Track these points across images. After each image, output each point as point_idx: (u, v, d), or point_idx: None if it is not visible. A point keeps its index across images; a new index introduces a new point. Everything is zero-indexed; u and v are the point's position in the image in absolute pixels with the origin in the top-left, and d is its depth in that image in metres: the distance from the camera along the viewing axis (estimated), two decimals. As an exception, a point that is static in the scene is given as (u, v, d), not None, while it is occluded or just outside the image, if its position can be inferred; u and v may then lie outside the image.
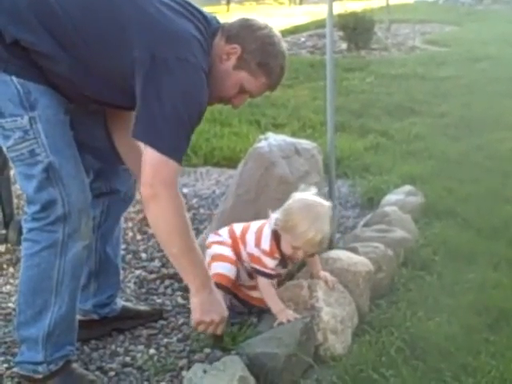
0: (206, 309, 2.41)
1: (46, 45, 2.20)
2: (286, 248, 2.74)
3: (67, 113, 2.33)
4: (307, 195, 2.77)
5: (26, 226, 2.30)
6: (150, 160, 2.22)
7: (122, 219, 2.86)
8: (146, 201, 2.26)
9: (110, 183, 2.67)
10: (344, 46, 10.94)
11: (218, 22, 2.48)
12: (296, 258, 2.79)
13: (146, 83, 2.21)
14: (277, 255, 2.76)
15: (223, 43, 2.43)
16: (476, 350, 2.68)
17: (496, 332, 2.84)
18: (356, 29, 10.65)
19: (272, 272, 2.78)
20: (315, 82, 7.97)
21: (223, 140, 5.51)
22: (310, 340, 2.65)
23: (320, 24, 12.18)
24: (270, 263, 2.76)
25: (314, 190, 2.81)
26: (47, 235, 2.26)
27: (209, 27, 2.41)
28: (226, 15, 16.27)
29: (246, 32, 2.44)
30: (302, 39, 12.09)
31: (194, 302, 2.42)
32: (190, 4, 2.42)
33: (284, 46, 2.52)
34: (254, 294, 2.90)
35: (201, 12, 2.43)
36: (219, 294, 2.52)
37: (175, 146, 2.24)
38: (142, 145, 2.29)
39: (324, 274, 2.92)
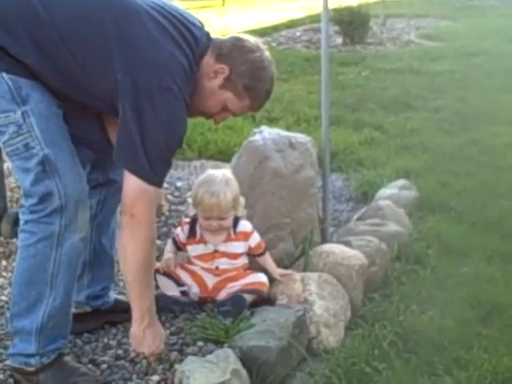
0: (138, 342, 2.46)
1: (32, 57, 2.22)
2: (200, 221, 2.96)
3: (60, 106, 2.33)
4: (225, 171, 3.01)
5: (22, 218, 2.31)
6: (132, 186, 2.29)
7: (119, 211, 2.86)
8: (123, 226, 2.35)
9: (107, 174, 2.67)
10: (339, 40, 10.91)
11: (209, 39, 2.47)
12: (208, 229, 2.94)
13: (127, 109, 2.24)
14: (186, 226, 3.03)
15: (212, 61, 2.42)
16: (469, 344, 2.69)
17: (489, 326, 2.85)
18: (351, 23, 10.62)
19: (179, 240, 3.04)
20: (310, 76, 7.95)
21: (217, 134, 5.49)
22: (302, 333, 2.65)
23: (315, 18, 12.13)
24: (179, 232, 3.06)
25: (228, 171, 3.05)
26: (44, 227, 2.26)
27: (197, 47, 2.39)
28: (221, 10, 16.26)
29: (236, 53, 2.43)
30: (298, 33, 12.06)
31: (131, 331, 2.47)
32: (180, 20, 2.39)
33: (274, 69, 2.51)
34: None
35: (190, 30, 2.40)
36: (158, 329, 2.50)
37: (155, 174, 2.30)
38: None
39: (280, 271, 2.99)
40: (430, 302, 2.99)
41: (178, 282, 2.95)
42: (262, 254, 3.02)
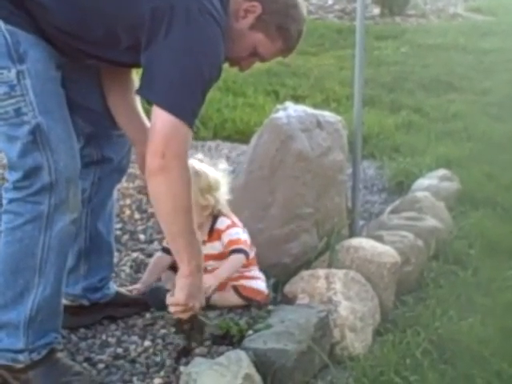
0: (194, 293, 2.42)
1: None
2: None
3: (59, 68, 2.31)
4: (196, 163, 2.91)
5: (6, 196, 2.28)
6: (162, 124, 2.22)
7: (116, 193, 2.86)
8: (152, 172, 2.25)
9: (102, 150, 2.66)
10: (377, 10, 10.90)
11: None
12: None
13: (162, 34, 2.19)
14: None
15: None
16: (513, 356, 2.67)
17: (536, 336, 2.83)
18: (391, -8, 10.62)
19: None
20: (343, 51, 7.95)
21: (236, 111, 5.50)
22: (325, 337, 2.64)
23: (350, -15, 12.13)
24: None
25: (222, 164, 3.00)
26: (31, 207, 2.24)
27: None
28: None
29: None
30: (330, 2, 12.02)
31: (185, 282, 2.40)
32: None
33: (305, 8, 2.53)
34: None
35: None
36: (201, 286, 2.51)
37: (191, 108, 2.26)
38: (143, 105, 2.34)
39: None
40: (471, 308, 2.97)
41: None
42: (234, 251, 2.90)
